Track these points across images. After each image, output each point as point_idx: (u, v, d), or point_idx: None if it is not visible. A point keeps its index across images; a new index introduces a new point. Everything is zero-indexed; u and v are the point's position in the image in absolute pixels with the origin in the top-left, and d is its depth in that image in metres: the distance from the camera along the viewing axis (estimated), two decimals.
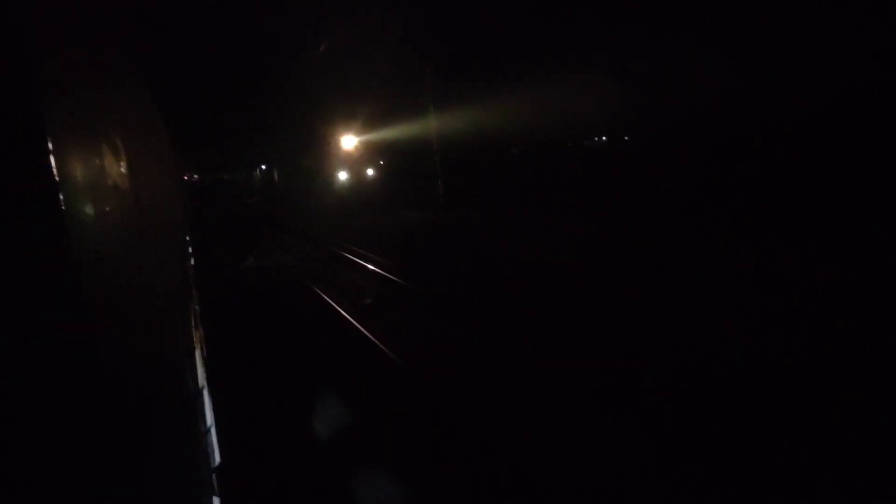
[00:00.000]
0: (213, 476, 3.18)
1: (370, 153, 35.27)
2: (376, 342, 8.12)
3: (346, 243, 18.86)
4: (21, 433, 0.85)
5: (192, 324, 5.24)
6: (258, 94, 39.86)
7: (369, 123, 33.08)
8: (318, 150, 39.29)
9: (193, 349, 4.12)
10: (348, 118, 33.22)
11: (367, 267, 14.24)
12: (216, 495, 2.95)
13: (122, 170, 2.06)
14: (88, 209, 1.29)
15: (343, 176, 36.25)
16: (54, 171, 0.96)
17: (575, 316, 8.81)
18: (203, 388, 3.92)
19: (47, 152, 0.95)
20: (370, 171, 35.96)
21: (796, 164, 16.41)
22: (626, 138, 32.00)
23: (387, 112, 31.01)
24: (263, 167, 60.53)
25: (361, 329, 8.85)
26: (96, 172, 1.56)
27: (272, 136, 45.53)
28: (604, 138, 34.85)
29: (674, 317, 8.28)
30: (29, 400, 0.88)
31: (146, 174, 3.40)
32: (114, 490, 1.07)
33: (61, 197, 0.97)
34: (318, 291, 12.11)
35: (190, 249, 11.95)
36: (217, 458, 3.57)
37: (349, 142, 33.94)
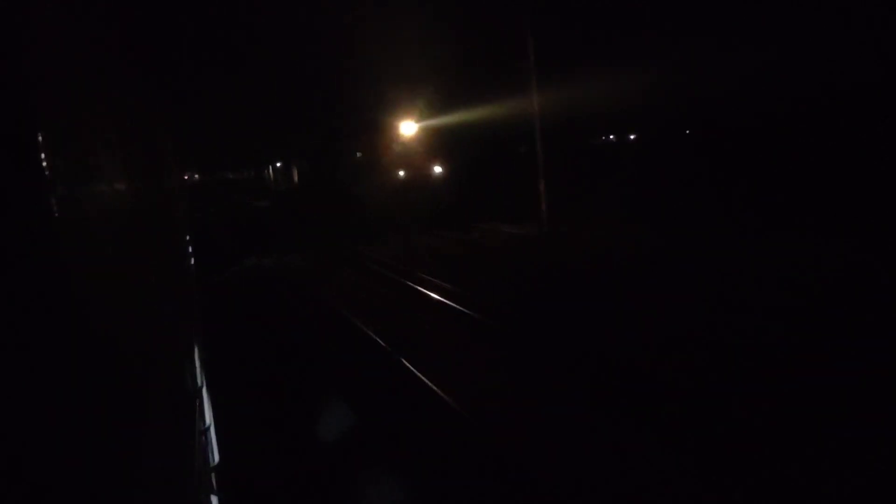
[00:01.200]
0: (212, 475, 3.18)
1: (436, 144, 26.14)
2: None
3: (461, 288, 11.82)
4: (19, 433, 0.85)
5: (192, 325, 5.24)
6: (270, 81, 31.36)
7: (436, 106, 24.51)
8: (362, 142, 30.12)
9: (193, 349, 4.12)
10: (406, 99, 24.73)
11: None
12: (214, 494, 2.95)
13: (119, 170, 2.06)
14: (83, 209, 1.29)
15: (401, 174, 27.34)
16: (47, 171, 0.96)
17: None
18: (202, 387, 3.92)
19: (42, 151, 0.95)
20: (437, 169, 26.78)
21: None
22: (632, 137, 29.73)
23: (460, 91, 23.03)
24: (278, 165, 52.17)
25: None
26: (92, 172, 1.56)
27: (290, 128, 37.04)
28: (611, 137, 31.73)
29: None
30: (26, 400, 0.88)
31: (144, 174, 3.39)
32: (113, 489, 1.07)
33: (54, 197, 0.97)
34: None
35: (190, 249, 11.92)
36: (216, 458, 3.57)
37: (408, 129, 24.85)
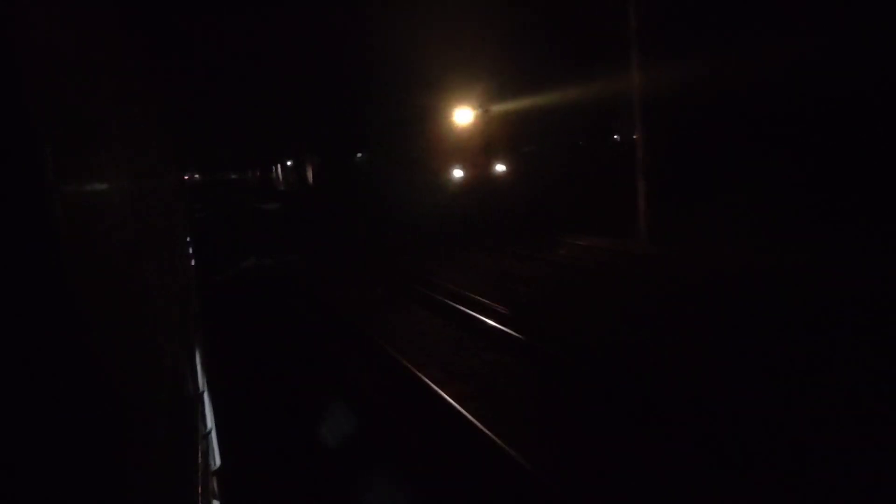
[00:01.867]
0: (214, 479, 3.16)
1: (498, 136, 20.17)
2: None
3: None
4: (18, 436, 0.83)
5: (192, 327, 5.22)
6: (279, 69, 26.13)
7: (495, 90, 19.27)
8: (404, 134, 24.29)
9: (194, 353, 4.10)
10: (458, 80, 19.40)
11: None
12: (216, 499, 2.93)
13: (119, 170, 2.04)
14: (83, 211, 1.27)
15: (458, 173, 21.52)
16: (48, 172, 0.94)
17: None
18: (203, 391, 3.90)
19: (42, 153, 0.93)
20: (500, 167, 20.90)
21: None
22: (634, 137, 28.05)
23: (529, 69, 17.85)
24: (289, 163, 48.00)
25: None
26: (93, 173, 1.54)
27: (304, 122, 31.59)
28: (616, 137, 29.60)
29: None
30: (25, 403, 0.86)
31: (144, 175, 3.38)
32: (113, 493, 1.05)
33: (56, 199, 0.95)
34: None
35: (190, 251, 11.92)
36: (217, 461, 3.55)
37: (463, 117, 19.55)
